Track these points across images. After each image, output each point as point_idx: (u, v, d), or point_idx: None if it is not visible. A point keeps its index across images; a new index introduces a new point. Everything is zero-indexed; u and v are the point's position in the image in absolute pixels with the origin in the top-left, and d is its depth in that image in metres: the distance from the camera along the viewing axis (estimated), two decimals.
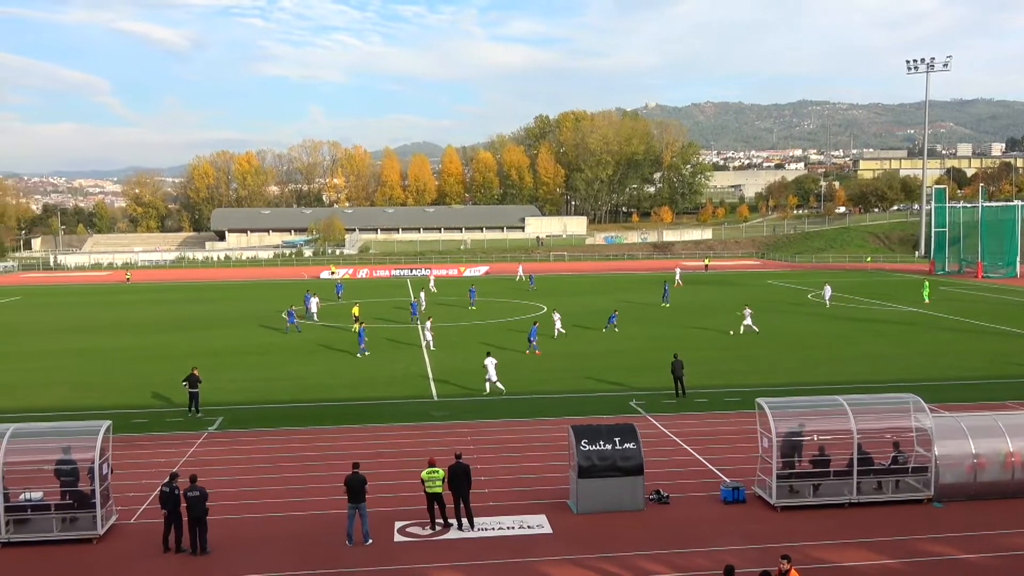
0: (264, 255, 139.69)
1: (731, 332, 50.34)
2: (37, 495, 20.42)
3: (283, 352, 46.36)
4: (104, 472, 20.28)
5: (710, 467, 24.98)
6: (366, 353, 44.48)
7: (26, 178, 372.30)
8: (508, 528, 20.45)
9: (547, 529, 20.38)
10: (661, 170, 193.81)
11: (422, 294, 68.84)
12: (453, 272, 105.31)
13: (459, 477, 20.35)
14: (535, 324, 46.97)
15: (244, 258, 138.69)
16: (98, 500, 19.93)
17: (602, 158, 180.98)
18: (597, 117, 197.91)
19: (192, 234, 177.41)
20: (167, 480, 19.73)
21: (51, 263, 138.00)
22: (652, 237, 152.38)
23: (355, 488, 19.70)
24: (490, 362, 35.31)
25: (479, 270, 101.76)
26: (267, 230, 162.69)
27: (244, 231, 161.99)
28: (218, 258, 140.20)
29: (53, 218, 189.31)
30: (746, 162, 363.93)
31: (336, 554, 19.11)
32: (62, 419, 28.34)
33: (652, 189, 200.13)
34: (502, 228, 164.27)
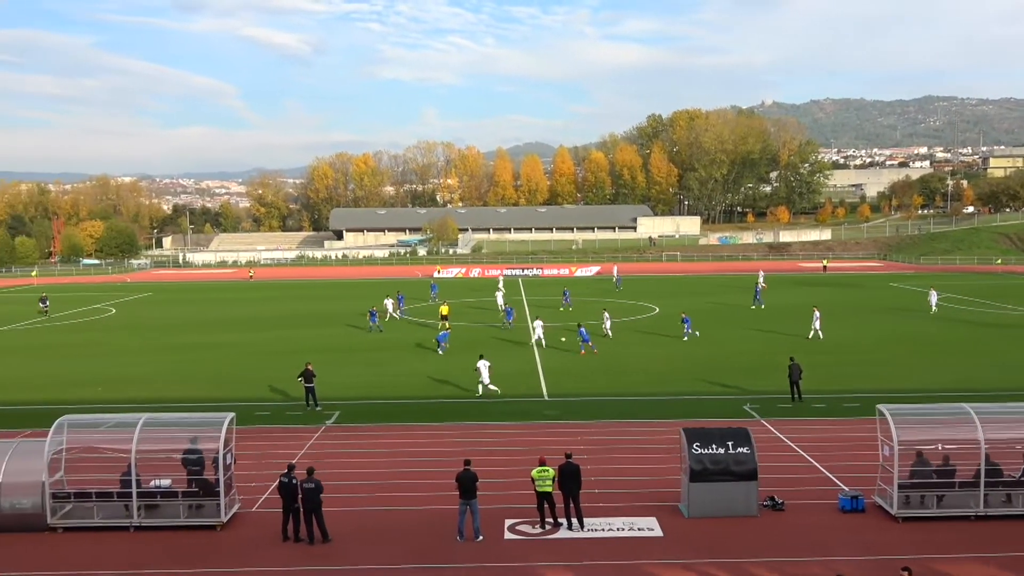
0: (380, 254, 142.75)
1: (808, 336, 48.73)
2: (166, 482, 21.40)
3: (397, 349, 47.26)
4: (228, 462, 21.09)
5: (827, 474, 24.28)
6: (441, 352, 45.25)
7: (158, 180, 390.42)
8: (618, 529, 20.35)
9: (658, 532, 20.19)
10: (778, 169, 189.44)
11: (498, 295, 67.86)
12: (564, 272, 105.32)
13: (569, 477, 20.35)
14: (580, 326, 46.68)
15: (361, 257, 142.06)
16: (222, 489, 20.74)
17: (716, 157, 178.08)
18: (712, 115, 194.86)
19: (312, 233, 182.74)
20: (285, 471, 20.39)
21: (180, 261, 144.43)
22: (768, 237, 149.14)
23: (466, 485, 19.93)
24: (483, 364, 35.19)
25: (590, 270, 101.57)
26: (383, 229, 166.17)
27: (361, 230, 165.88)
28: (336, 257, 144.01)
29: (182, 218, 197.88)
30: (868, 160, 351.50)
31: (447, 549, 19.39)
32: (190, 410, 29.57)
33: (768, 188, 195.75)
34: (614, 228, 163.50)
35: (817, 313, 49.39)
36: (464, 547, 19.49)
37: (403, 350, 46.92)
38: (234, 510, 21.44)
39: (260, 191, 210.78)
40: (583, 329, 45.55)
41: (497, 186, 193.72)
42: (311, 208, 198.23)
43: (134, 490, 20.78)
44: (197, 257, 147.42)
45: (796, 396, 33.21)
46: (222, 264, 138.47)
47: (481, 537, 19.80)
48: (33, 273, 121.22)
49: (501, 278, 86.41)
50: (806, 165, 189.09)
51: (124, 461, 21.06)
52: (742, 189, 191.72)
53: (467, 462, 20.49)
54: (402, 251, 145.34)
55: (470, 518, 19.93)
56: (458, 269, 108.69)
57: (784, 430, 29.03)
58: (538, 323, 48.03)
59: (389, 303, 60.92)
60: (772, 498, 21.72)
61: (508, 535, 20.15)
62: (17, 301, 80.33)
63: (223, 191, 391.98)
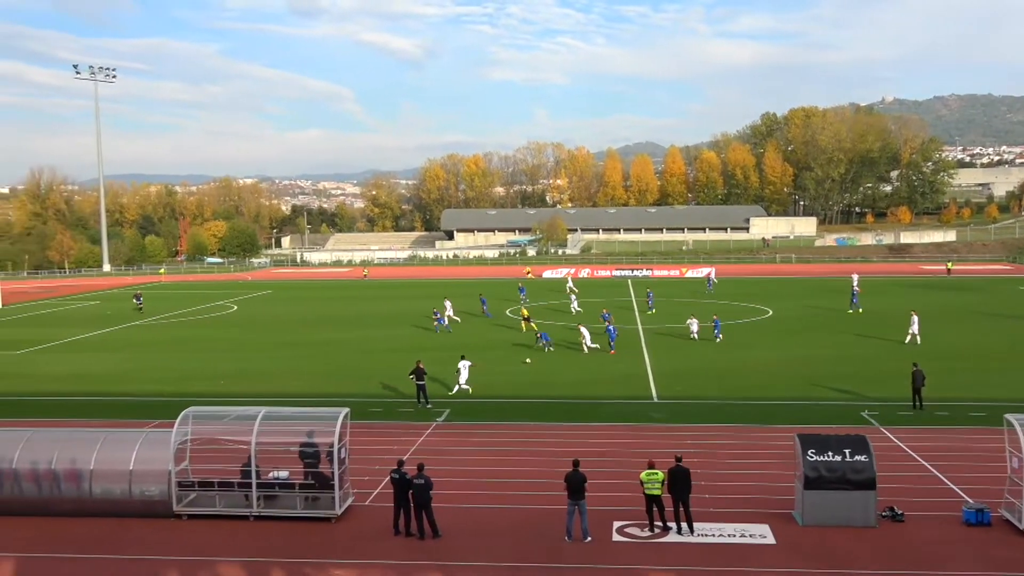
0: (490, 254, 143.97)
1: (905, 340, 46.64)
2: (283, 474, 22.11)
3: (506, 348, 47.57)
4: (342, 456, 21.63)
5: (951, 485, 23.31)
6: (541, 343, 46.12)
7: (277, 181, 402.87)
8: (729, 535, 20.00)
9: (770, 540, 19.76)
10: (899, 168, 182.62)
11: (573, 297, 67.42)
12: (675, 273, 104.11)
13: (679, 480, 20.12)
14: (611, 325, 47.14)
15: (471, 257, 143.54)
16: (336, 482, 21.29)
17: (834, 156, 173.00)
18: (829, 113, 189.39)
19: (423, 233, 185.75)
20: (396, 467, 20.79)
21: (298, 260, 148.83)
22: (888, 239, 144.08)
23: (575, 485, 19.92)
24: (464, 364, 35.77)
25: (701, 271, 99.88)
26: (493, 230, 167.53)
27: (471, 231, 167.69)
28: (447, 256, 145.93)
29: (300, 218, 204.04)
30: (996, 158, 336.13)
31: (555, 549, 19.42)
32: (306, 405, 30.44)
33: (888, 188, 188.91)
34: (726, 229, 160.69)
35: (915, 317, 47.47)
36: (572, 547, 19.49)
37: (510, 350, 47.18)
38: (348, 503, 21.97)
39: (374, 192, 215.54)
40: (613, 328, 46.25)
41: (607, 186, 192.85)
42: (423, 208, 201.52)
43: (254, 481, 21.54)
44: (314, 256, 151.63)
45: (918, 403, 31.99)
46: (337, 263, 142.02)
47: (589, 538, 19.76)
48: (161, 271, 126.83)
49: (570, 279, 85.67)
50: (929, 164, 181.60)
51: (244, 452, 21.86)
52: (861, 189, 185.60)
53: (576, 462, 20.48)
54: (512, 251, 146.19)
55: (578, 519, 19.92)
56: (567, 269, 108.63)
57: (905, 438, 27.99)
58: (584, 329, 47.02)
59: (449, 305, 60.75)
60: (891, 508, 20.98)
61: (616, 537, 20.05)
62: (147, 298, 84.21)
63: (339, 192, 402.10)
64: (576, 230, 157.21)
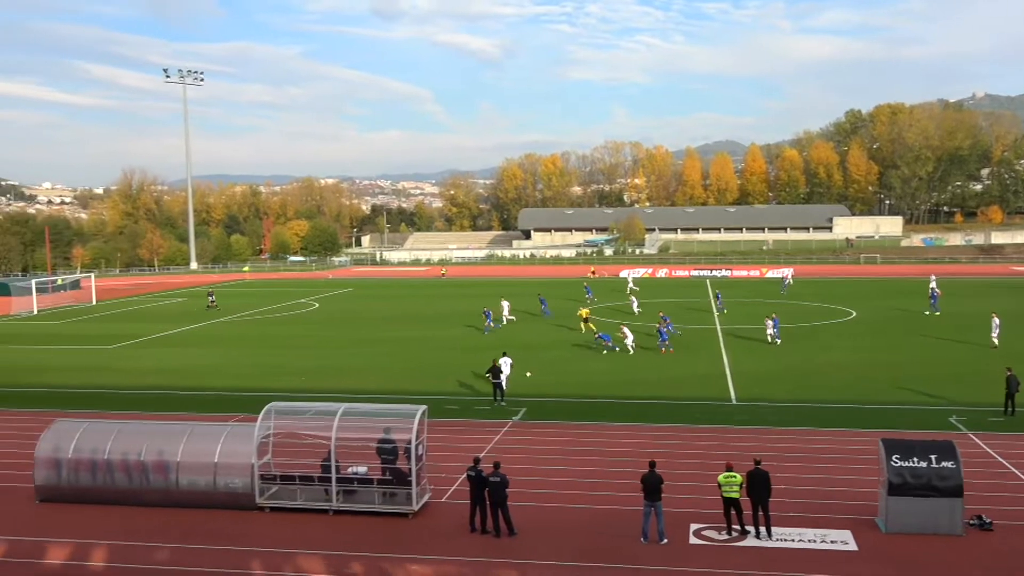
0: (567, 253, 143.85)
1: (995, 343, 44.96)
2: (362, 469, 22.45)
3: (583, 348, 47.47)
4: (420, 452, 21.87)
5: None
6: (600, 343, 45.86)
7: (358, 181, 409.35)
8: (809, 541, 19.63)
9: (852, 546, 19.33)
10: (990, 166, 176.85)
11: (634, 298, 66.94)
12: (755, 273, 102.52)
13: (759, 483, 19.83)
14: (659, 326, 47.20)
15: (548, 256, 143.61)
16: (414, 478, 21.53)
17: (921, 153, 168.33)
18: (916, 110, 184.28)
19: (501, 232, 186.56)
20: (472, 464, 20.93)
21: (377, 258, 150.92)
22: (978, 239, 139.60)
23: (651, 486, 19.79)
24: (504, 361, 35.36)
25: (781, 272, 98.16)
26: (570, 229, 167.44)
27: (548, 230, 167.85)
28: (524, 256, 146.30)
29: (380, 217, 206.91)
30: None
31: (631, 550, 19.32)
32: (384, 401, 30.85)
33: (979, 187, 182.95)
34: (808, 228, 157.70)
35: (996, 320, 45.79)
36: (648, 549, 19.36)
37: (585, 349, 47.07)
38: (425, 499, 22.21)
39: (452, 192, 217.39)
40: (664, 328, 46.52)
41: (685, 185, 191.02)
42: (500, 208, 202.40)
43: (333, 475, 21.93)
44: (393, 255, 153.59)
45: (1010, 409, 30.91)
46: (416, 262, 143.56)
47: (665, 540, 19.61)
48: (245, 268, 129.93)
49: (630, 278, 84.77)
50: (1022, 161, 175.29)
51: (324, 447, 22.28)
52: (949, 187, 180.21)
53: (652, 463, 20.35)
54: (589, 251, 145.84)
55: (654, 520, 19.79)
56: (645, 269, 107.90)
57: (995, 445, 27.07)
58: (627, 329, 46.73)
59: (506, 305, 60.59)
60: (980, 517, 20.33)
61: (693, 540, 19.86)
62: (232, 295, 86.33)
63: (417, 192, 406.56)
64: (654, 229, 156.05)
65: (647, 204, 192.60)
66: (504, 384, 34.79)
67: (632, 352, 44.88)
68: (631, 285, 78.92)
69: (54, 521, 21.75)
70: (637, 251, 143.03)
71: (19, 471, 25.29)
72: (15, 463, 26.40)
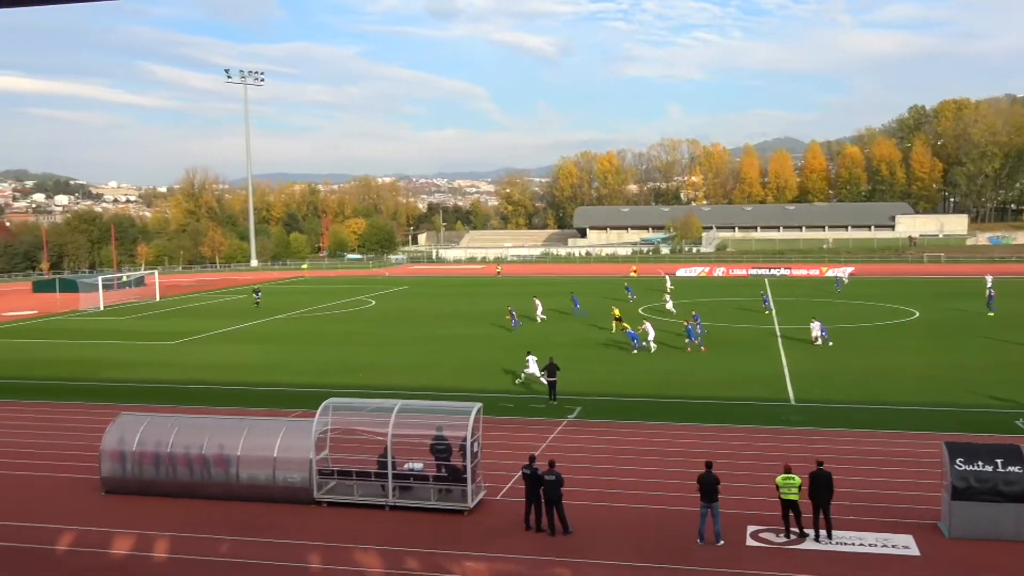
0: (623, 252, 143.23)
1: None
2: (418, 466, 22.62)
3: (629, 347, 47.19)
4: (475, 450, 21.96)
5: None
6: (643, 346, 45.25)
7: (414, 179, 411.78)
8: (870, 545, 19.29)
9: (913, 551, 18.95)
10: None
11: (667, 297, 66.40)
12: (814, 272, 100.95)
13: (821, 485, 19.51)
14: (687, 324, 47.28)
15: (603, 255, 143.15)
16: (469, 475, 21.62)
17: (987, 150, 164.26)
18: (982, 105, 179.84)
19: (556, 231, 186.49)
20: (527, 462, 20.95)
21: (433, 256, 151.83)
22: None
23: (708, 487, 19.61)
24: (531, 359, 37.08)
25: (844, 271, 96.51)
26: (626, 227, 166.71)
27: (604, 228, 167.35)
28: (579, 254, 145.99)
29: (436, 216, 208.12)
30: None
31: (686, 551, 19.17)
32: (440, 399, 31.02)
33: None
34: (869, 227, 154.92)
35: None
36: (704, 550, 19.20)
37: (643, 350, 46.76)
38: (480, 497, 22.29)
39: (508, 190, 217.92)
40: (689, 327, 46.30)
41: (743, 183, 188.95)
42: (556, 206, 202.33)
43: (390, 471, 22.13)
44: (449, 253, 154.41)
45: None
46: (471, 260, 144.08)
47: (722, 542, 19.43)
48: (304, 266, 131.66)
49: (668, 278, 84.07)
50: None
51: (381, 444, 22.49)
52: (1017, 184, 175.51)
53: (709, 464, 20.17)
54: (645, 249, 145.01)
55: (711, 521, 19.61)
56: (701, 268, 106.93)
57: None
58: (648, 326, 46.56)
59: (539, 303, 60.25)
60: None
61: (750, 542, 19.64)
62: (290, 292, 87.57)
63: (473, 190, 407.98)
64: (711, 228, 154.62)
65: (704, 202, 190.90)
66: (526, 377, 35.97)
67: (653, 350, 44.85)
68: (669, 285, 78.73)
69: (119, 512, 22.29)
70: (694, 249, 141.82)
71: (85, 463, 25.98)
72: (82, 455, 27.12)
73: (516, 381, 37.88)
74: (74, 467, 26.31)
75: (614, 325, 52.46)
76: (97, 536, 20.67)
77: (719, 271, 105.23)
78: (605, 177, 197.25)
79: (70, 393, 37.68)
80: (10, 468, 26.50)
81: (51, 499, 23.48)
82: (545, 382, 34.54)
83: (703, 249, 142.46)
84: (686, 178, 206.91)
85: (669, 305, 63.03)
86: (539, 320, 58.32)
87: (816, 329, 46.95)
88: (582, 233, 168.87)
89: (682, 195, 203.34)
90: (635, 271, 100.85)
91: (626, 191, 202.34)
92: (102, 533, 20.83)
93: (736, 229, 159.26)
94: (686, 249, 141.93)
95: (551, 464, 20.70)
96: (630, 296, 71.28)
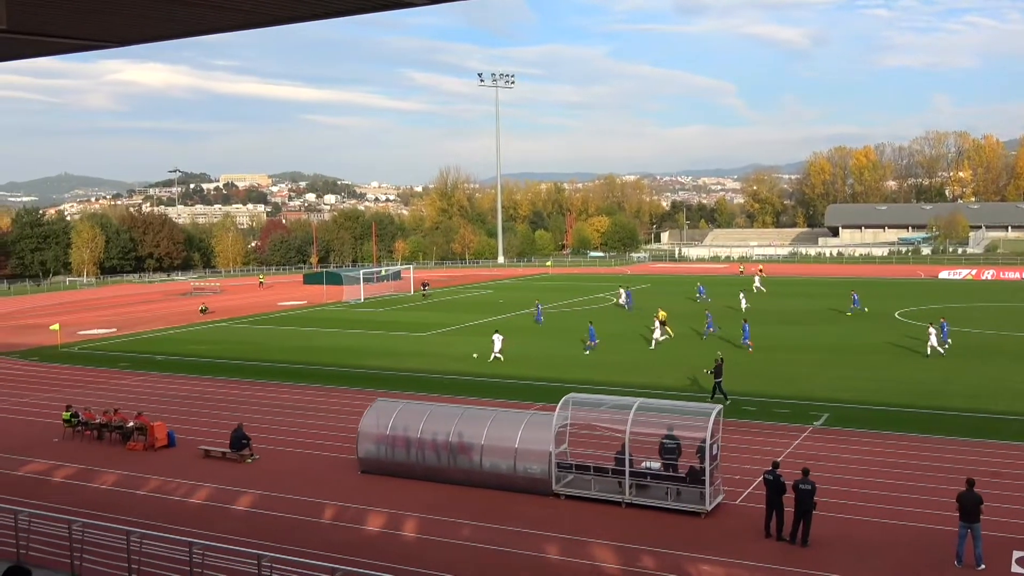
0: (878, 252, 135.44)
1: None
2: (655, 465, 22.58)
3: (892, 353, 44.51)
4: (714, 452, 21.63)
5: None
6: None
7: (658, 177, 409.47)
8: None
9: None
10: None
11: (741, 294, 64.06)
12: None
13: None
14: (745, 322, 47.81)
15: (856, 255, 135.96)
16: (707, 477, 21.32)
17: None
18: None
19: (805, 230, 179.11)
20: (770, 468, 20.35)
21: (676, 255, 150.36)
22: None
23: (968, 506, 18.23)
24: (497, 338, 43.23)
25: None
26: (882, 226, 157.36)
27: (858, 227, 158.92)
28: (830, 254, 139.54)
29: (679, 214, 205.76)
30: None
31: (942, 574, 17.93)
32: (680, 398, 30.73)
33: None
34: None
35: None
36: (962, 573, 17.87)
37: (894, 355, 44.04)
38: (718, 500, 21.93)
39: (755, 187, 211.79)
40: (747, 325, 46.91)
41: (1019, 178, 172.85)
42: (806, 204, 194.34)
43: (627, 469, 22.24)
44: (692, 251, 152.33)
45: None
46: (715, 259, 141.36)
47: (983, 566, 17.99)
48: (548, 263, 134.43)
49: (757, 278, 79.46)
50: None
51: (619, 440, 22.65)
52: None
53: (970, 481, 18.73)
54: (903, 249, 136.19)
55: (970, 543, 18.22)
56: (967, 271, 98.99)
57: None
58: (658, 322, 47.47)
59: (623, 292, 61.13)
60: None
61: (1015, 568, 18.08)
62: (534, 289, 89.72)
63: (718, 188, 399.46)
64: (980, 227, 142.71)
65: (972, 199, 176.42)
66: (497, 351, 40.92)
67: (652, 346, 46.99)
68: (757, 284, 77.03)
69: (374, 491, 23.89)
70: (959, 250, 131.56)
71: (345, 443, 28.05)
72: (342, 436, 29.33)
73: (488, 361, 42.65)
74: (335, 447, 28.49)
75: (659, 328, 49.65)
76: (354, 512, 22.27)
77: (987, 274, 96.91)
78: (861, 173, 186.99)
79: (331, 378, 40.73)
80: (281, 444, 29.10)
81: (317, 477, 25.53)
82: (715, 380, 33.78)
83: (970, 250, 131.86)
84: (952, 173, 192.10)
85: (744, 302, 62.29)
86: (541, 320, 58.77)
87: (933, 337, 42.83)
88: (834, 232, 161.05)
89: (947, 192, 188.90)
90: (761, 270, 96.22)
91: (883, 188, 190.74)
92: (358, 510, 22.43)
93: (1009, 229, 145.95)
94: (950, 250, 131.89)
95: (805, 472, 20.00)
96: (700, 296, 70.85)
